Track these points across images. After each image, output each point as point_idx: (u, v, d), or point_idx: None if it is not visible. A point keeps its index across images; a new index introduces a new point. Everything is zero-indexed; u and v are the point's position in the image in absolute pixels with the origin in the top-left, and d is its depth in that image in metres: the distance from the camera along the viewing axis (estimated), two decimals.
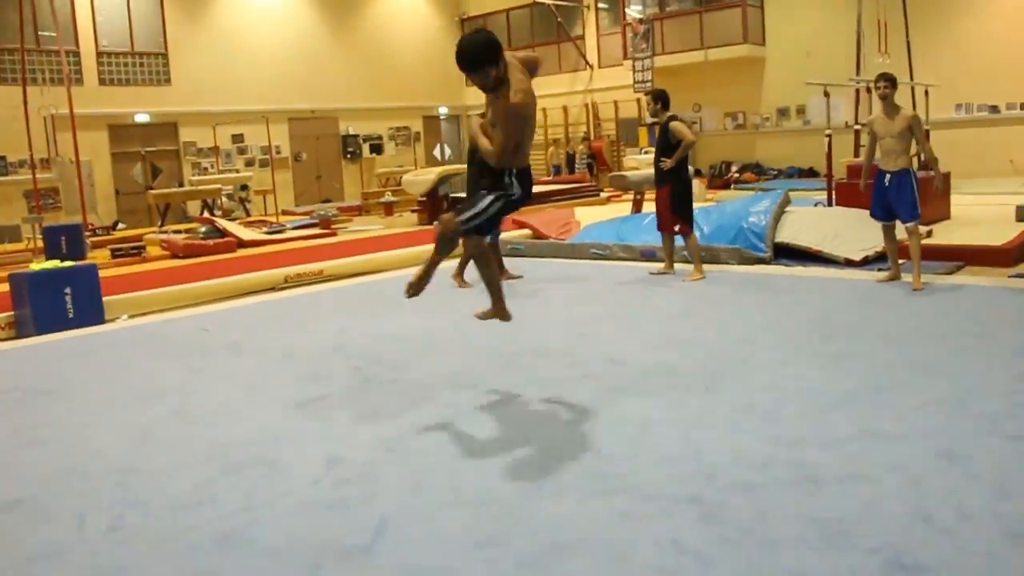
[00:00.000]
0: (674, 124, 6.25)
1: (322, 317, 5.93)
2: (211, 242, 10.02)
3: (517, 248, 8.32)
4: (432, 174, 12.27)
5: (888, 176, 5.56)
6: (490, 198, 3.30)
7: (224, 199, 14.82)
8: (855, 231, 6.85)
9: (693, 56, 16.20)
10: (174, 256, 9.81)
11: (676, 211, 6.35)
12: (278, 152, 17.19)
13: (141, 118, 15.96)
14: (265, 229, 11.92)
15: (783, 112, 16.27)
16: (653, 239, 7.03)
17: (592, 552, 2.25)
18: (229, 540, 2.46)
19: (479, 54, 3.11)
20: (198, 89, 16.31)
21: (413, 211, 13.16)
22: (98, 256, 9.85)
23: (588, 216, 9.49)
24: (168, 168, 16.04)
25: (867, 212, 5.90)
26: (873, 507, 2.40)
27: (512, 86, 3.14)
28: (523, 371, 4.13)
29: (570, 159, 18.38)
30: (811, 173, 15.12)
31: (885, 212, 5.64)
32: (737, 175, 16.08)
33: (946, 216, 8.43)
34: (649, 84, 14.86)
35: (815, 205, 8.52)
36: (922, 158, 6.29)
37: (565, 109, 18.92)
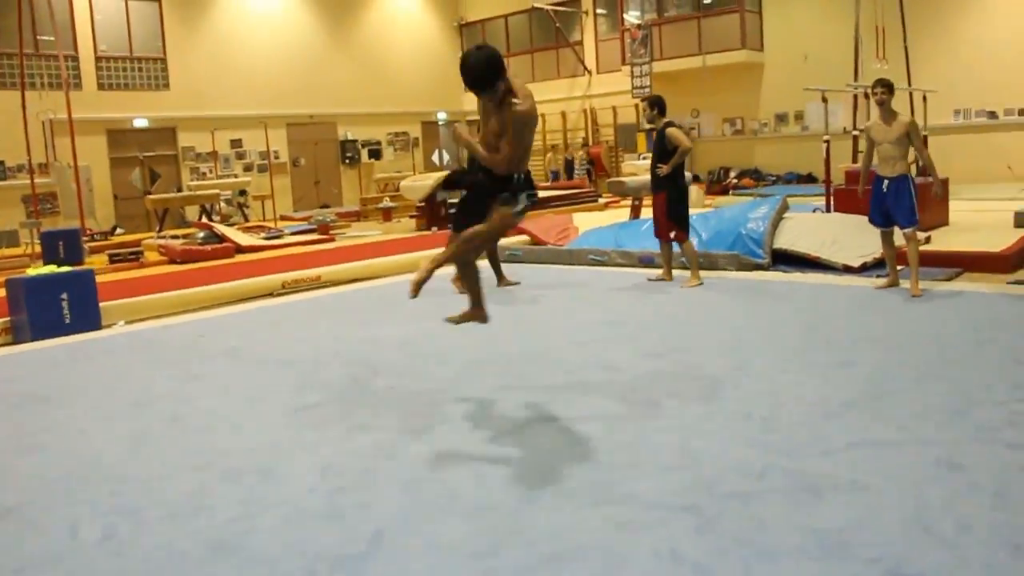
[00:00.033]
0: (671, 130, 6.25)
1: (319, 323, 5.92)
2: (209, 247, 10.00)
3: (515, 254, 8.31)
4: (430, 180, 12.28)
5: (886, 182, 5.56)
6: (524, 196, 3.34)
7: (222, 204, 14.81)
8: (853, 237, 6.85)
9: (691, 62, 16.23)
10: (172, 261, 9.80)
11: (672, 217, 6.34)
12: (276, 157, 17.19)
13: (140, 123, 15.96)
14: (263, 234, 11.91)
15: (781, 118, 16.30)
16: (651, 245, 7.02)
17: (589, 562, 2.23)
18: (223, 549, 2.44)
19: (490, 71, 3.10)
20: (197, 94, 16.32)
21: (411, 216, 13.16)
22: (96, 261, 9.83)
23: (586, 222, 9.49)
24: (166, 173, 16.02)
25: (865, 218, 5.90)
26: (872, 516, 2.38)
27: (518, 94, 3.17)
28: (520, 378, 4.11)
29: (568, 165, 18.39)
30: (809, 179, 15.14)
31: (883, 218, 5.64)
32: (735, 181, 16.09)
33: (944, 222, 8.43)
34: (648, 90, 14.86)
35: (813, 211, 8.52)
36: (920, 164, 6.29)
37: (563, 115, 18.93)
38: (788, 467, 2.77)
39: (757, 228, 7.11)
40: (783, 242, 7.01)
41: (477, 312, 3.65)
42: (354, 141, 18.93)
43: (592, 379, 4.01)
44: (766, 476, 2.71)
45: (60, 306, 6.02)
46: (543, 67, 19.37)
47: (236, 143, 17.12)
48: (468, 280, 3.62)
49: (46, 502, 2.90)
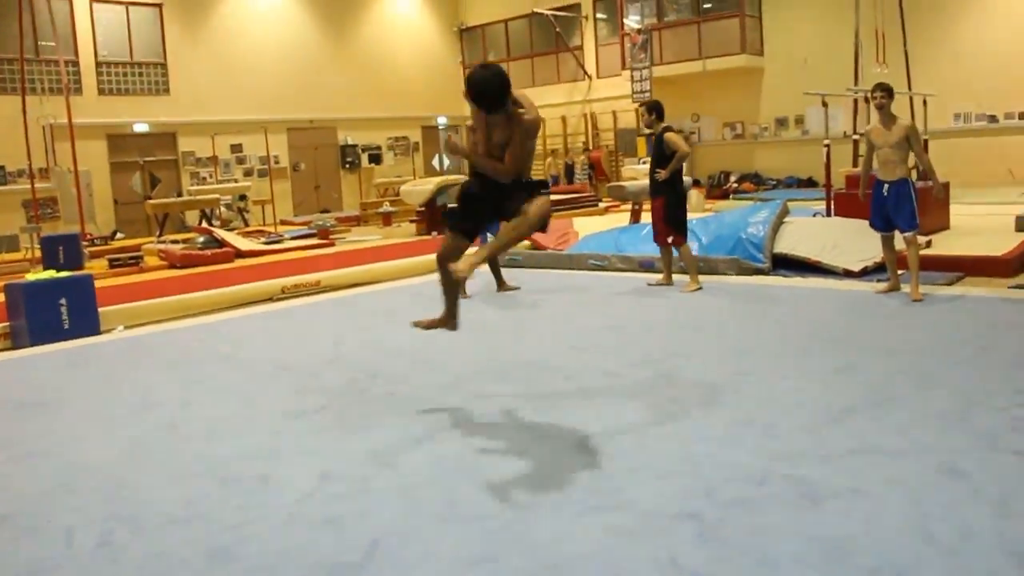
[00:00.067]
0: (669, 135, 6.25)
1: (318, 328, 5.90)
2: (208, 252, 10.00)
3: (515, 259, 8.30)
4: (431, 184, 12.28)
5: (886, 186, 5.55)
6: (546, 193, 3.37)
7: (222, 209, 14.82)
8: (854, 241, 6.84)
9: (691, 66, 16.25)
10: (172, 266, 9.80)
11: (669, 221, 6.35)
12: (276, 162, 17.20)
13: (140, 128, 15.97)
14: (263, 239, 11.90)
15: (781, 122, 16.30)
16: (651, 250, 7.01)
17: (588, 571, 2.22)
18: (219, 557, 2.43)
19: (502, 90, 3.10)
20: (197, 99, 16.33)
21: (412, 221, 13.16)
22: (96, 266, 9.83)
23: (586, 227, 9.48)
24: (167, 178, 16.03)
25: (866, 222, 5.88)
26: (873, 524, 2.36)
27: (522, 103, 3.20)
28: (520, 384, 4.09)
29: (568, 169, 18.40)
30: (810, 183, 15.13)
31: (884, 222, 5.63)
32: (736, 185, 16.09)
33: (945, 226, 8.42)
34: (648, 94, 14.88)
35: (814, 215, 8.51)
36: (920, 169, 6.28)
37: (564, 119, 18.94)
38: (789, 474, 2.75)
39: (757, 232, 7.10)
40: (783, 246, 6.99)
41: (447, 320, 3.63)
42: (354, 146, 18.94)
43: (592, 385, 3.99)
44: (767, 483, 2.69)
45: (59, 311, 6.01)
46: (543, 72, 19.39)
47: (236, 148, 17.13)
48: (448, 288, 3.59)
49: (43, 508, 2.88)
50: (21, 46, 12.29)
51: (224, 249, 10.22)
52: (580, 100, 18.89)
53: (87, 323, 6.13)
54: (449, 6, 20.51)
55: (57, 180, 12.98)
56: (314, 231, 12.70)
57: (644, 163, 13.46)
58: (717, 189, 16.14)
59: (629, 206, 10.71)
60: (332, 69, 18.31)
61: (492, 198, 3.35)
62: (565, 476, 2.86)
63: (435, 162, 17.24)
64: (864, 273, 6.49)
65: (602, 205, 14.50)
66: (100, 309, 6.32)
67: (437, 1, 20.28)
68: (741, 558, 2.22)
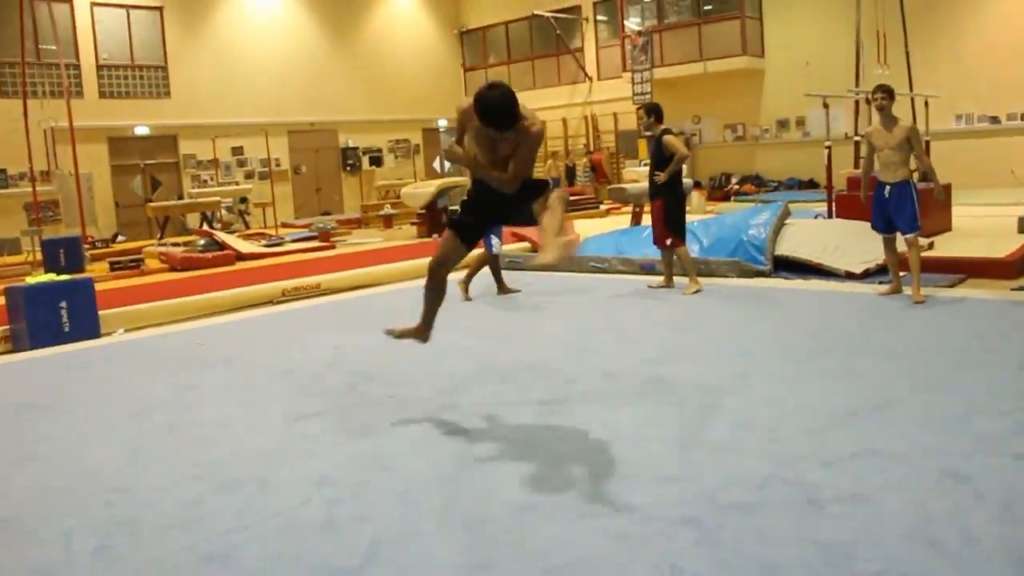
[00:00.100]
0: (667, 138, 6.25)
1: (319, 331, 5.89)
2: (209, 255, 10.00)
3: (516, 261, 8.29)
4: (431, 187, 12.27)
5: (888, 188, 5.53)
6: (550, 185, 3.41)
7: (223, 212, 14.83)
8: (855, 243, 6.82)
9: (692, 68, 16.24)
10: (172, 269, 9.79)
11: (667, 224, 6.34)
12: (277, 165, 17.22)
13: (141, 131, 15.99)
14: (264, 242, 11.90)
15: (783, 124, 16.29)
16: (652, 252, 7.00)
17: None
18: (217, 561, 2.42)
19: (513, 111, 3.11)
20: (198, 102, 16.35)
21: (412, 224, 13.15)
22: (97, 269, 9.84)
23: (587, 229, 9.47)
24: (168, 181, 16.05)
25: (868, 224, 5.87)
26: (876, 529, 2.34)
27: (526, 116, 3.21)
28: (519, 387, 4.08)
29: (569, 171, 18.39)
30: (811, 185, 15.12)
31: (885, 224, 5.61)
32: (737, 187, 16.08)
33: (947, 228, 8.40)
34: (648, 96, 14.86)
35: (815, 217, 8.49)
36: (921, 170, 6.26)
37: (564, 121, 18.94)
38: (790, 478, 2.73)
39: (759, 234, 7.08)
40: (785, 248, 6.98)
41: (422, 331, 3.58)
42: (355, 148, 18.95)
43: (592, 388, 3.98)
44: (767, 487, 2.67)
45: (59, 314, 6.01)
46: (544, 74, 19.39)
47: (237, 151, 17.14)
48: (430, 300, 3.52)
49: (42, 513, 2.87)
50: (22, 49, 12.31)
51: (225, 252, 10.22)
52: (581, 102, 18.89)
53: (87, 326, 6.13)
54: (450, 8, 20.52)
55: (58, 183, 13.01)
56: (315, 234, 12.70)
57: (645, 165, 13.45)
58: (718, 191, 16.12)
59: (630, 208, 10.69)
60: (333, 72, 18.33)
61: (497, 205, 3.36)
62: (564, 480, 2.85)
63: (436, 164, 17.22)
64: (866, 275, 6.47)
65: (603, 207, 14.48)
66: (100, 312, 6.32)
67: (438, 3, 20.29)
68: (742, 564, 2.20)
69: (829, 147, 8.53)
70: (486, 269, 6.80)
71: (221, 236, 11.13)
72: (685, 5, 16.88)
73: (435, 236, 11.52)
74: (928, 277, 5.87)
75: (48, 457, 3.47)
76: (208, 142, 16.05)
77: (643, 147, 16.37)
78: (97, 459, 3.40)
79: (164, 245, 11.60)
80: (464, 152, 3.41)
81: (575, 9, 18.71)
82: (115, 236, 14.19)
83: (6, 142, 13.56)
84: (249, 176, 17.24)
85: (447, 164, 16.48)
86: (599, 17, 18.70)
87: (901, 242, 5.68)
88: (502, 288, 6.87)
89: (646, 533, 2.41)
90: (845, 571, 2.13)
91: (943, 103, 12.11)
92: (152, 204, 14.15)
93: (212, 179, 16.49)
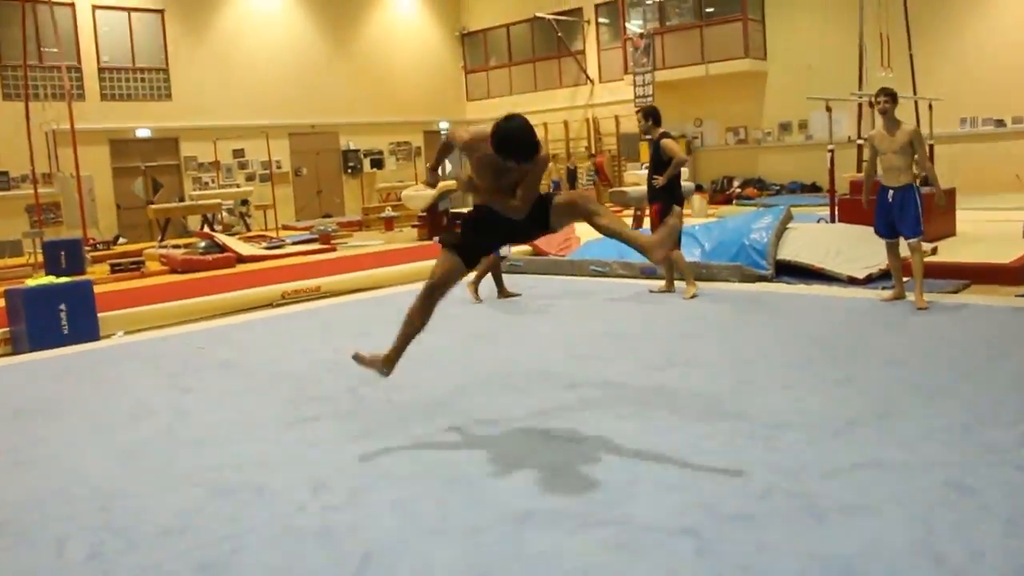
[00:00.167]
0: (665, 142, 6.23)
1: (318, 335, 5.87)
2: (210, 257, 9.98)
3: (516, 265, 8.26)
4: (432, 189, 12.23)
5: (891, 192, 5.49)
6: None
7: (224, 214, 14.82)
8: (858, 248, 6.78)
9: (694, 71, 16.21)
10: (173, 271, 9.77)
11: None
12: (279, 167, 17.21)
13: (142, 133, 16.00)
14: (264, 244, 11.89)
15: (785, 127, 16.25)
16: None
17: None
18: (210, 570, 2.39)
19: (535, 142, 3.10)
20: (199, 104, 16.36)
21: (413, 226, 13.13)
22: (98, 271, 9.82)
23: (588, 232, 9.41)
24: (169, 183, 16.05)
25: (871, 229, 5.83)
26: (879, 542, 2.30)
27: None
28: (519, 393, 4.05)
29: (571, 174, 18.37)
30: (814, 188, 15.08)
31: (888, 229, 5.57)
32: (739, 190, 16.04)
33: (951, 233, 8.35)
34: (650, 99, 14.83)
35: (818, 221, 8.46)
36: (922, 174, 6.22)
37: (566, 124, 18.93)
38: (791, 489, 2.69)
39: (760, 239, 7.04)
40: (787, 253, 6.94)
41: (387, 361, 3.40)
42: (356, 151, 18.95)
43: (591, 394, 3.94)
44: (768, 498, 2.63)
45: (58, 317, 6.00)
46: (545, 76, 19.38)
47: (238, 153, 17.14)
48: (411, 325, 3.33)
49: (36, 518, 2.85)
50: (24, 52, 12.32)
51: (225, 254, 10.20)
52: (582, 105, 18.86)
53: (87, 329, 6.11)
54: (451, 11, 20.51)
55: (60, 185, 13.01)
56: (316, 236, 12.68)
57: (646, 168, 13.44)
58: (720, 194, 16.09)
59: (631, 211, 10.67)
60: (334, 74, 18.33)
61: (505, 230, 3.33)
62: (562, 489, 2.81)
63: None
64: (868, 280, 6.43)
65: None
66: (100, 315, 6.31)
67: (439, 6, 20.29)
68: (740, 575, 2.17)
69: (832, 151, 8.50)
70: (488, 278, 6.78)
71: (222, 238, 11.12)
72: (687, 7, 16.86)
73: (436, 239, 11.49)
74: (932, 283, 5.83)
75: (43, 461, 3.45)
76: (209, 144, 16.04)
77: (644, 150, 16.34)
78: (92, 464, 3.38)
79: (165, 247, 11.58)
80: (468, 180, 3.32)
81: (576, 11, 18.69)
82: (116, 238, 14.18)
83: (8, 144, 13.57)
84: (250, 178, 17.23)
85: (448, 167, 16.47)
86: (600, 19, 18.68)
87: (904, 247, 5.64)
88: (502, 292, 6.85)
89: (644, 543, 2.38)
90: None
91: (947, 106, 12.05)
92: (153, 206, 14.15)
93: (213, 181, 16.49)
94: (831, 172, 8.57)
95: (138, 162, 15.71)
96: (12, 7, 12.96)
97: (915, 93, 10.95)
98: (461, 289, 6.57)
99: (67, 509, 2.91)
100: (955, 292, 5.98)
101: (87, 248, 10.85)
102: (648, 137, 6.52)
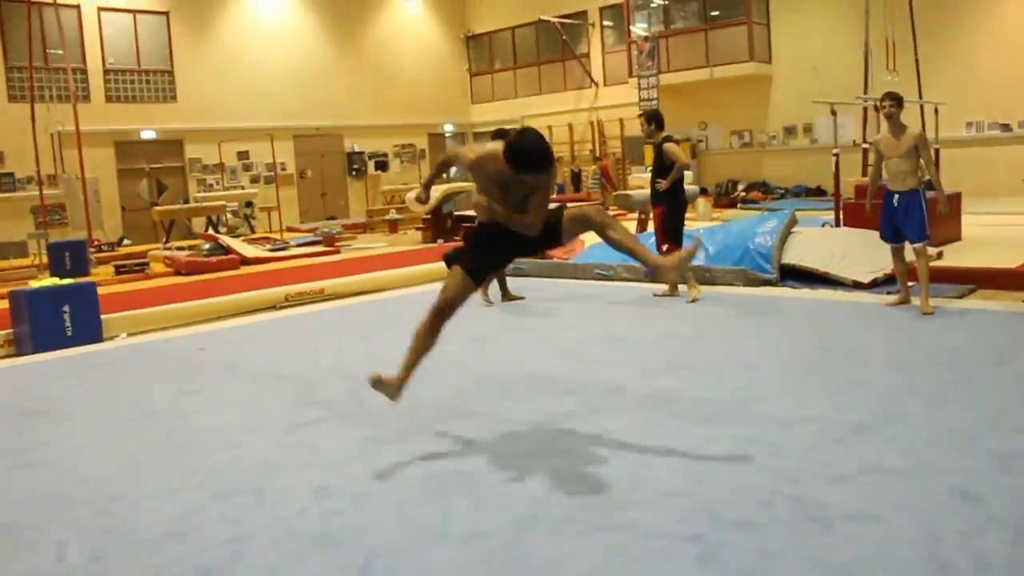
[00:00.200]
0: (668, 146, 6.23)
1: (321, 337, 5.86)
2: (214, 259, 9.99)
3: (520, 268, 8.24)
4: (437, 192, 12.24)
5: (897, 196, 5.47)
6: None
7: (229, 216, 14.84)
8: (863, 252, 6.75)
9: (699, 74, 16.20)
10: (177, 273, 9.79)
11: (665, 231, 6.31)
12: (283, 169, 17.25)
13: (147, 135, 16.04)
14: (269, 246, 11.90)
15: (790, 130, 16.21)
16: None
17: None
18: (211, 573, 2.38)
19: (550, 152, 3.10)
20: (204, 106, 16.40)
21: (418, 229, 13.14)
22: (102, 272, 9.84)
23: (592, 236, 9.40)
24: (173, 185, 16.08)
25: (876, 233, 5.80)
26: (883, 550, 2.28)
27: None
28: (521, 398, 4.04)
29: (575, 177, 18.36)
30: (818, 192, 15.04)
31: (894, 233, 5.54)
32: (744, 194, 16.00)
33: (957, 237, 8.30)
34: (655, 102, 14.82)
35: (823, 225, 8.43)
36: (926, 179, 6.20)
37: (570, 127, 18.93)
38: (795, 495, 2.67)
39: (765, 243, 7.02)
40: (791, 257, 6.91)
41: (395, 383, 3.34)
42: (361, 153, 18.97)
43: (594, 400, 3.93)
44: (772, 504, 2.61)
45: (62, 318, 6.01)
46: (550, 79, 19.38)
47: (243, 155, 17.18)
48: (420, 348, 3.29)
49: (37, 521, 2.85)
50: (30, 54, 12.37)
51: (229, 256, 10.22)
52: (587, 108, 18.86)
53: (90, 331, 6.12)
54: (456, 13, 20.54)
55: (65, 187, 13.04)
56: (320, 238, 12.69)
57: (651, 171, 13.41)
58: (724, 198, 16.05)
59: (636, 215, 10.64)
60: (338, 76, 18.36)
61: (518, 247, 3.32)
62: (564, 494, 2.80)
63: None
64: (874, 285, 6.41)
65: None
66: (104, 316, 6.32)
67: (444, 8, 20.31)
68: None
69: (837, 154, 8.47)
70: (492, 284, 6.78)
71: (226, 240, 11.13)
72: (692, 11, 16.86)
73: (440, 241, 11.49)
74: (937, 287, 5.80)
75: (46, 464, 3.45)
76: (214, 146, 16.08)
77: (649, 153, 16.32)
78: (95, 466, 3.38)
79: (169, 249, 11.60)
80: (486, 206, 3.25)
81: (581, 14, 18.70)
82: (121, 240, 14.21)
83: (14, 146, 13.62)
84: (255, 180, 17.27)
85: (453, 169, 16.49)
86: (605, 22, 18.68)
87: (910, 251, 5.61)
88: (506, 295, 6.84)
89: (648, 550, 2.36)
90: None
91: (953, 110, 12.00)
92: (158, 208, 14.18)
93: (218, 183, 16.52)
94: (836, 176, 8.54)
95: (143, 164, 15.75)
96: (18, 9, 13.03)
97: (921, 97, 10.91)
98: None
99: (68, 512, 2.91)
100: (960, 297, 5.95)
101: (91, 249, 10.88)
102: (651, 141, 6.52)
